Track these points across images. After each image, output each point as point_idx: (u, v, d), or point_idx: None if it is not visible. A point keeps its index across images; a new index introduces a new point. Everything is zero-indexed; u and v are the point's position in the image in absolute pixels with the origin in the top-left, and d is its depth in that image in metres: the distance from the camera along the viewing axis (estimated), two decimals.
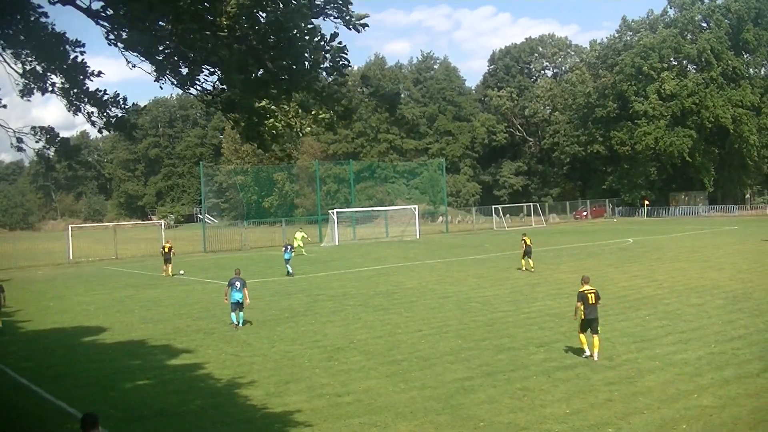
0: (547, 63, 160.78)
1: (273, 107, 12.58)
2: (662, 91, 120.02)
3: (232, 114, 13.00)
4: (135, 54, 12.08)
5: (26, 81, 13.25)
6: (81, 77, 13.04)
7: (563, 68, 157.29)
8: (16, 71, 13.26)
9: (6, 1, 12.55)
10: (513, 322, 28.62)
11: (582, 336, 22.43)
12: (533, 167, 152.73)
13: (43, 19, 12.82)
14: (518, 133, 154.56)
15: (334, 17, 11.40)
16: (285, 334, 28.21)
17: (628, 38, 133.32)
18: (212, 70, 12.35)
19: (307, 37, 11.35)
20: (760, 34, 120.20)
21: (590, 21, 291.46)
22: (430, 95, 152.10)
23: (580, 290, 22.65)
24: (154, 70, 12.24)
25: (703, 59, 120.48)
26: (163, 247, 56.12)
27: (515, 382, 19.52)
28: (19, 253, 73.54)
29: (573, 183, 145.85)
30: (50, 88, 13.33)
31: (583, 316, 22.21)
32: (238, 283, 30.37)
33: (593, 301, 22.30)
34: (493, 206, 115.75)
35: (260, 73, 11.94)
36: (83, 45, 13.14)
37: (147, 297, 41.71)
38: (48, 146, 14.00)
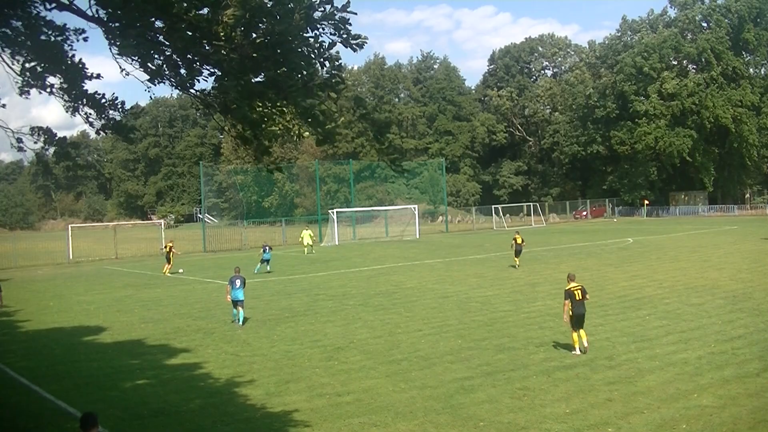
0: (547, 63, 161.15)
1: (272, 111, 12.56)
2: (663, 90, 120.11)
3: (229, 118, 12.98)
4: (129, 60, 12.07)
5: (24, 79, 13.23)
6: (79, 77, 13.02)
7: (563, 68, 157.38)
8: (14, 70, 13.25)
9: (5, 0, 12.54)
10: (513, 322, 28.62)
11: (575, 335, 22.81)
12: (533, 167, 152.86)
13: (42, 14, 12.82)
14: (518, 133, 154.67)
15: (331, 33, 11.39)
16: (285, 334, 28.21)
17: (628, 38, 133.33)
18: (211, 71, 12.33)
19: (302, 50, 11.33)
20: (761, 34, 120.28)
21: (590, 21, 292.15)
22: (430, 95, 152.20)
23: (567, 288, 23.19)
24: (148, 80, 12.23)
25: (703, 59, 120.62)
26: (165, 246, 56.49)
27: (515, 382, 19.52)
28: (19, 252, 73.59)
29: (573, 183, 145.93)
30: (49, 88, 13.32)
31: (571, 313, 22.70)
32: (238, 281, 30.86)
33: (580, 297, 22.87)
34: (493, 206, 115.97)
35: (257, 80, 11.92)
36: (84, 31, 13.13)
37: (147, 296, 41.71)
38: (46, 147, 13.98)
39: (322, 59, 11.52)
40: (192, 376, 22.08)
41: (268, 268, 52.84)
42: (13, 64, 13.17)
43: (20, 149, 13.98)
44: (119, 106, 13.49)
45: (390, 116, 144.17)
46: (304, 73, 11.59)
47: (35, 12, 12.74)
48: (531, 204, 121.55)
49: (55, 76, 13.20)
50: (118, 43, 11.76)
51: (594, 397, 17.92)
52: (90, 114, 13.53)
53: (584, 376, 19.81)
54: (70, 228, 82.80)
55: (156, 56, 12.02)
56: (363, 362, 22.72)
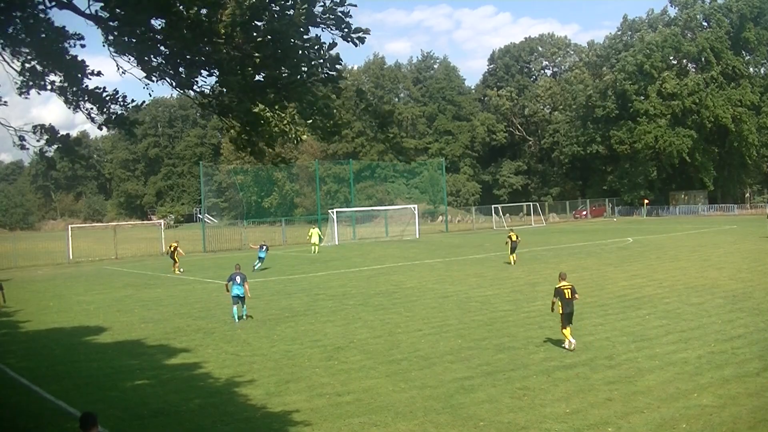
0: (547, 62, 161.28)
1: (268, 114, 12.56)
2: (663, 90, 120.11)
3: (227, 119, 12.98)
4: (127, 59, 12.07)
5: (24, 79, 13.22)
6: (80, 75, 13.02)
7: (563, 68, 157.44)
8: (14, 69, 13.24)
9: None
10: (513, 322, 28.61)
11: (564, 331, 23.34)
12: (533, 167, 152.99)
13: (42, 15, 12.81)
14: (518, 133, 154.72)
15: (332, 29, 11.37)
16: (285, 334, 28.20)
17: (628, 37, 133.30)
18: (210, 71, 12.33)
19: (304, 47, 11.32)
20: (761, 33, 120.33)
21: (590, 20, 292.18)
22: (429, 95, 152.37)
23: (557, 286, 23.79)
24: (145, 77, 12.23)
25: (703, 58, 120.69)
26: (170, 246, 56.87)
27: (515, 382, 19.51)
28: (19, 252, 73.59)
29: (573, 182, 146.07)
30: (49, 87, 13.31)
31: (560, 311, 23.32)
32: (238, 278, 31.32)
33: (569, 296, 23.47)
34: (492, 206, 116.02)
35: (258, 78, 11.92)
36: (82, 38, 13.13)
37: (147, 296, 41.70)
38: (49, 144, 13.97)
39: (322, 56, 11.51)
40: (192, 376, 22.07)
41: (260, 265, 54.45)
42: (12, 63, 13.17)
43: (23, 147, 13.98)
44: (120, 100, 13.49)
45: (392, 108, 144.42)
46: (305, 69, 11.59)
47: (35, 12, 12.73)
48: (531, 204, 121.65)
49: (55, 74, 13.20)
50: (113, 41, 11.76)
51: (594, 396, 17.91)
52: (91, 109, 13.53)
53: (584, 376, 19.81)
54: (70, 228, 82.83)
55: (153, 55, 12.02)
56: (363, 362, 22.71)
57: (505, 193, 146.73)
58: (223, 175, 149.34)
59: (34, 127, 13.91)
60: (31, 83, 13.22)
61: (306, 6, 11.10)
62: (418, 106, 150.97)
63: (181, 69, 12.30)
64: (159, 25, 11.80)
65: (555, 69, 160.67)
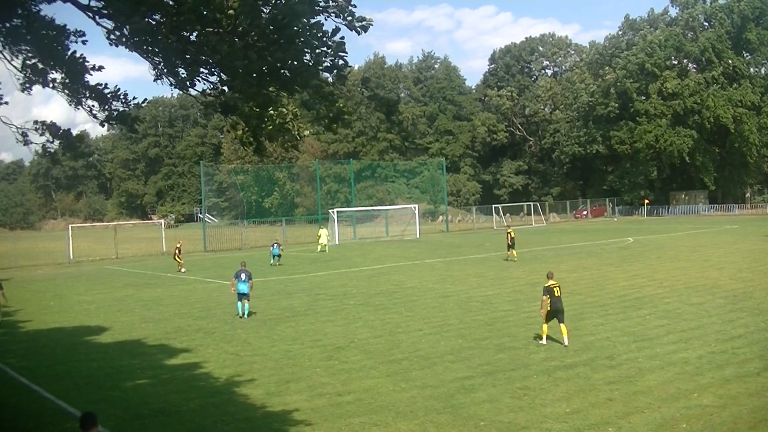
0: (548, 62, 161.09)
1: (271, 112, 12.57)
2: (663, 90, 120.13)
3: (231, 116, 12.98)
4: (134, 51, 12.07)
5: (26, 75, 13.23)
6: (81, 72, 13.03)
7: (563, 67, 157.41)
8: (15, 67, 13.25)
9: None
10: (513, 322, 28.60)
11: (545, 326, 24.34)
12: (533, 166, 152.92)
13: (42, 13, 12.82)
14: (518, 133, 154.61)
15: (336, 16, 11.37)
16: (285, 334, 28.20)
17: (629, 37, 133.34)
18: (211, 70, 12.33)
19: (308, 34, 11.31)
20: (762, 33, 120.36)
21: (591, 20, 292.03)
22: (430, 95, 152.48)
23: (546, 285, 24.52)
24: (154, 68, 12.24)
25: (704, 58, 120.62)
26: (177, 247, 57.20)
27: (516, 381, 19.51)
28: (20, 252, 73.66)
29: (573, 182, 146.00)
30: (50, 84, 13.32)
31: (549, 308, 24.00)
32: (243, 275, 31.98)
33: (558, 294, 24.28)
34: (493, 205, 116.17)
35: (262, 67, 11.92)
36: (84, 34, 13.14)
37: (147, 296, 41.71)
38: (52, 140, 13.98)
39: (326, 43, 11.50)
40: (192, 376, 22.08)
41: (279, 262, 57.44)
42: (12, 60, 13.18)
43: (26, 143, 14.00)
44: (122, 97, 13.50)
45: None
46: (310, 56, 11.58)
47: (35, 10, 12.74)
48: (531, 203, 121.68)
49: (56, 71, 13.22)
50: (117, 38, 11.75)
51: (594, 396, 17.91)
52: (93, 106, 13.55)
53: (585, 376, 19.80)
54: (70, 228, 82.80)
55: (155, 54, 12.01)
56: (363, 362, 22.71)
57: (506, 193, 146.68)
58: (224, 174, 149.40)
59: (36, 122, 13.94)
60: (33, 79, 13.23)
61: None
62: (418, 105, 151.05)
63: (182, 69, 12.31)
64: (160, 19, 11.80)
65: (556, 69, 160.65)
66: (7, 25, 12.67)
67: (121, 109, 13.60)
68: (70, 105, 13.61)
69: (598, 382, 19.09)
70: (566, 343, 23.65)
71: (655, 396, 17.67)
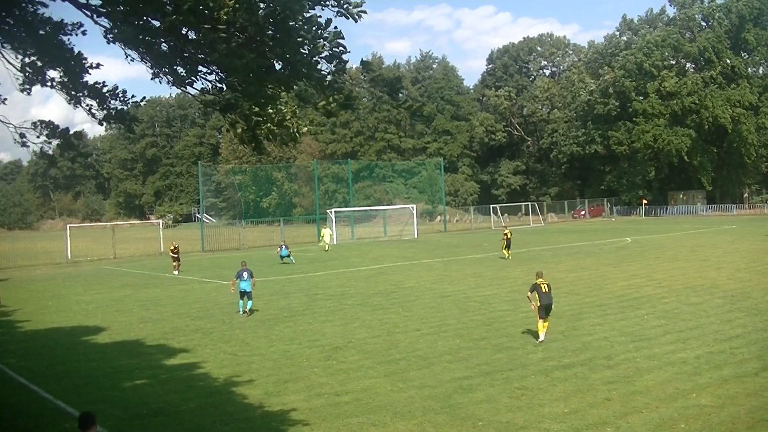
0: (546, 62, 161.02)
1: (270, 110, 12.58)
2: (662, 89, 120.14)
3: (230, 115, 13.00)
4: (132, 49, 12.08)
5: (25, 75, 13.23)
6: (79, 70, 13.03)
7: (561, 67, 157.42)
8: (14, 66, 13.26)
9: None
10: (511, 321, 28.61)
11: (540, 323, 24.64)
12: (531, 166, 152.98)
13: (41, 11, 12.82)
14: (516, 133, 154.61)
15: (332, 6, 11.40)
16: (283, 334, 28.22)
17: (627, 37, 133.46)
18: (210, 69, 12.35)
19: (305, 27, 11.34)
20: (760, 34, 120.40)
21: (590, 20, 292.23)
22: (428, 94, 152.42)
23: (534, 282, 25.37)
24: (151, 67, 12.26)
25: (702, 58, 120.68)
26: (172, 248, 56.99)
27: (514, 381, 19.52)
28: (18, 252, 73.59)
29: (571, 182, 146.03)
30: (49, 83, 13.33)
31: (539, 303, 24.59)
32: (245, 274, 32.76)
33: (546, 290, 24.99)
34: (491, 205, 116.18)
35: (261, 65, 11.94)
36: (82, 25, 13.14)
37: (145, 296, 41.72)
38: (50, 140, 13.99)
39: (322, 35, 11.52)
40: (191, 376, 22.09)
41: (292, 260, 59.04)
42: (12, 60, 13.18)
43: (24, 144, 13.99)
44: (120, 96, 13.51)
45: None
46: (308, 48, 11.61)
47: (33, 9, 12.75)
48: (529, 203, 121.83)
49: (55, 70, 13.21)
50: (116, 36, 11.76)
51: (592, 396, 17.92)
52: (92, 105, 13.55)
53: (583, 376, 19.82)
54: (68, 228, 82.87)
55: (153, 52, 12.02)
56: (361, 362, 22.73)
57: (504, 193, 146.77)
58: (222, 174, 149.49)
59: (34, 123, 13.94)
60: (32, 79, 13.23)
61: None
62: (416, 105, 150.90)
63: (181, 67, 12.32)
64: (159, 18, 11.81)
65: (554, 69, 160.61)
66: (5, 26, 12.68)
67: (119, 107, 13.61)
68: (69, 104, 13.61)
69: (596, 382, 19.10)
70: (542, 338, 24.34)
71: (653, 396, 17.69)
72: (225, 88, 12.50)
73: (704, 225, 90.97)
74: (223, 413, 17.93)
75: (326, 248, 72.54)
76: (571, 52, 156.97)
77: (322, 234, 75.80)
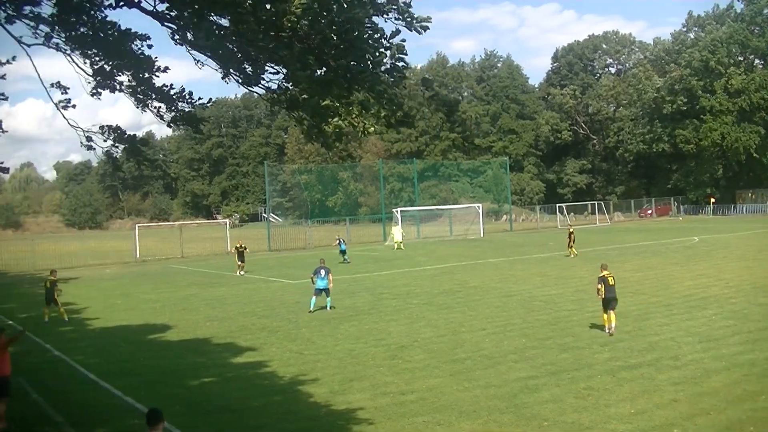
0: (611, 60, 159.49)
1: (337, 105, 12.63)
2: (729, 86, 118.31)
3: (296, 112, 13.07)
4: (201, 53, 12.23)
5: (96, 80, 13.43)
6: (147, 74, 13.21)
7: (627, 65, 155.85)
8: (85, 71, 13.46)
9: (73, 2, 12.75)
10: (577, 321, 28.42)
11: (605, 315, 25.80)
12: (597, 165, 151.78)
13: (108, 18, 13.02)
14: (582, 131, 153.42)
15: (395, 19, 11.41)
16: (349, 332, 28.31)
17: (693, 34, 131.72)
18: (277, 69, 12.44)
19: (367, 37, 11.37)
20: None
21: (656, 17, 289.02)
22: (493, 93, 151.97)
23: (600, 275, 26.34)
24: (220, 68, 12.39)
25: None
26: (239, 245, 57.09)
27: (579, 382, 19.39)
28: (88, 251, 74.82)
29: (637, 181, 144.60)
30: (118, 87, 13.52)
31: (603, 296, 25.65)
32: (322, 272, 33.62)
33: (612, 283, 26.09)
34: (557, 204, 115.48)
35: (323, 71, 12.00)
36: (149, 38, 13.33)
37: (212, 295, 42.10)
38: (116, 145, 14.19)
39: (386, 45, 11.55)
40: (256, 374, 22.26)
41: (346, 258, 59.86)
42: (83, 64, 13.39)
43: (90, 148, 14.21)
44: (187, 98, 13.66)
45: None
46: (371, 59, 11.64)
47: (101, 16, 12.93)
48: (595, 202, 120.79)
49: (124, 74, 13.41)
50: (189, 38, 11.90)
51: (659, 397, 17.75)
52: (160, 107, 13.74)
53: (649, 376, 19.63)
54: (137, 227, 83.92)
55: (221, 53, 12.15)
56: (426, 361, 22.72)
57: (570, 192, 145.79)
58: (288, 174, 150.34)
59: (102, 127, 14.14)
60: (103, 84, 13.43)
61: None
62: (481, 104, 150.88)
63: (246, 66, 12.44)
64: (225, 22, 11.94)
65: (619, 67, 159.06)
66: (74, 33, 12.88)
67: (186, 109, 13.78)
68: (137, 107, 13.82)
69: (662, 383, 18.91)
70: (612, 331, 25.19)
71: (721, 398, 17.47)
72: (291, 86, 12.59)
73: None
74: (288, 411, 18.04)
75: (397, 247, 73.53)
76: (636, 49, 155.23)
77: (391, 233, 76.42)
